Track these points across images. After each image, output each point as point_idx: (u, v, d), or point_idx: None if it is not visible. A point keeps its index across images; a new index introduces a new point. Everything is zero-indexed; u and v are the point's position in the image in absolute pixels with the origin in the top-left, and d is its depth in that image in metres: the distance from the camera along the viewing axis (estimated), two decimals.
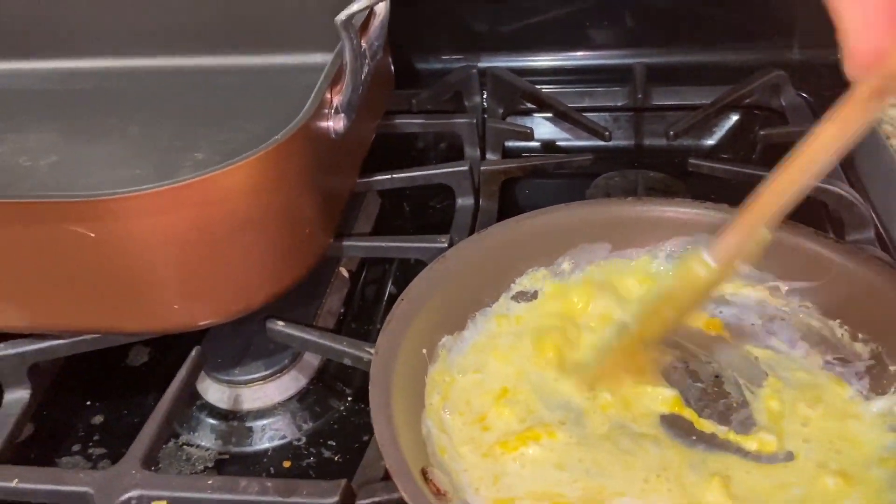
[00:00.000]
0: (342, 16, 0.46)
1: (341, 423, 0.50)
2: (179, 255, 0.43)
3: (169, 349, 0.55)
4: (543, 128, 0.73)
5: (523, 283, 0.49)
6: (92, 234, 0.41)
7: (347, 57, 0.49)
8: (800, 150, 0.35)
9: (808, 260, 0.47)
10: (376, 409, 0.38)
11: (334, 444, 0.49)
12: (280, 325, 0.48)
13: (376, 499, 0.38)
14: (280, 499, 0.37)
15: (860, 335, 0.44)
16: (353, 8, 0.46)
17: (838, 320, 0.45)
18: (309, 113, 0.45)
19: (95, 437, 0.51)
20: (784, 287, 0.47)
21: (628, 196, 0.55)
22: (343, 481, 0.38)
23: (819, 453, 0.40)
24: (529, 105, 0.73)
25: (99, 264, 0.42)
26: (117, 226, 0.41)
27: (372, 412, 0.38)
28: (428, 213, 0.68)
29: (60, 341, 0.48)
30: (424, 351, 0.43)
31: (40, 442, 0.50)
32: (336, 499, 0.37)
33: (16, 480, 0.40)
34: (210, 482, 0.39)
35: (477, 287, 0.48)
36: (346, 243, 0.54)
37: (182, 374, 0.46)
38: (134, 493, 0.39)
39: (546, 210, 0.50)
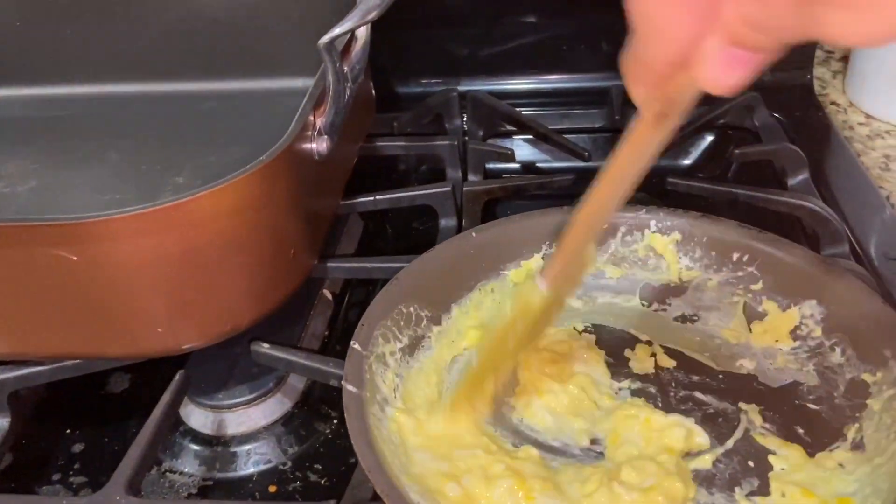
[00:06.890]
0: (325, 39, 0.47)
1: (327, 446, 0.50)
2: (164, 278, 0.42)
3: (150, 375, 0.55)
4: (522, 150, 0.74)
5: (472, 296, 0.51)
6: (74, 258, 0.40)
7: (330, 80, 0.49)
8: (603, 175, 0.35)
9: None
10: (355, 436, 0.38)
11: (320, 467, 0.48)
12: (265, 347, 0.48)
13: None
14: None
15: None
16: (335, 32, 0.47)
17: None
18: (293, 134, 0.45)
19: (76, 466, 0.50)
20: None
21: None
22: (332, 502, 0.38)
23: None
24: (509, 127, 0.74)
25: (82, 288, 0.42)
26: (101, 249, 0.40)
27: (352, 440, 0.38)
28: (410, 235, 0.68)
29: (41, 367, 0.47)
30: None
31: (19, 471, 0.49)
32: None
33: None
34: None
35: (430, 303, 0.49)
36: (330, 264, 0.54)
37: (166, 397, 0.45)
38: None
39: (491, 224, 0.52)
